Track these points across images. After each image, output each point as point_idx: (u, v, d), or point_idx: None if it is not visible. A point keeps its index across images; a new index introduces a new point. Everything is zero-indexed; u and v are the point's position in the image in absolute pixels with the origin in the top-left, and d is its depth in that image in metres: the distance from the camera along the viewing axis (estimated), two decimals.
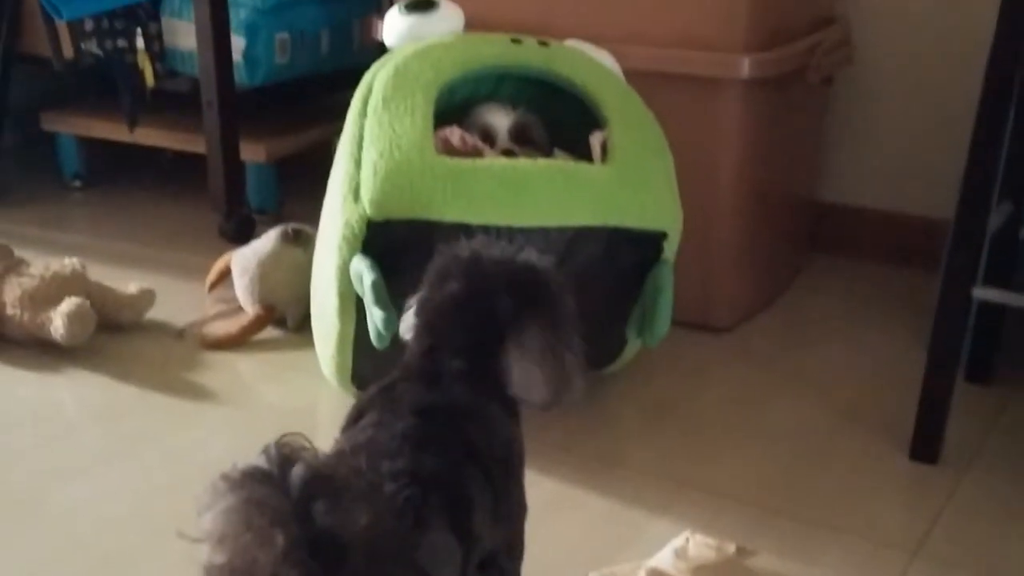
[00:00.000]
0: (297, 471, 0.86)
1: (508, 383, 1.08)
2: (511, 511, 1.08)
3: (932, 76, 2.29)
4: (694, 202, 1.75)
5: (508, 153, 1.68)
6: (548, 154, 1.73)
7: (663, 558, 1.36)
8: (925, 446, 1.64)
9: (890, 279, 2.33)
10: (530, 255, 1.12)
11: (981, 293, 1.60)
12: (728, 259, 2.04)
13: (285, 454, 0.89)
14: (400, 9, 1.76)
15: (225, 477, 0.87)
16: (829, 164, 2.43)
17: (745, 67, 1.88)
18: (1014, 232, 1.77)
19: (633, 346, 1.77)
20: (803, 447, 1.70)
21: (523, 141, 1.71)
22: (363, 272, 1.51)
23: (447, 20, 1.76)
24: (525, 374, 1.07)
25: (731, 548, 1.40)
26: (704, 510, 1.52)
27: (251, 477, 0.87)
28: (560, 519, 1.48)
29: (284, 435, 0.92)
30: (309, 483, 0.85)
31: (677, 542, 1.39)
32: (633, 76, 1.80)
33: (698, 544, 1.39)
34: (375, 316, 1.49)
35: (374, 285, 1.49)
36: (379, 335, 1.51)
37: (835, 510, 1.53)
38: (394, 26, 1.76)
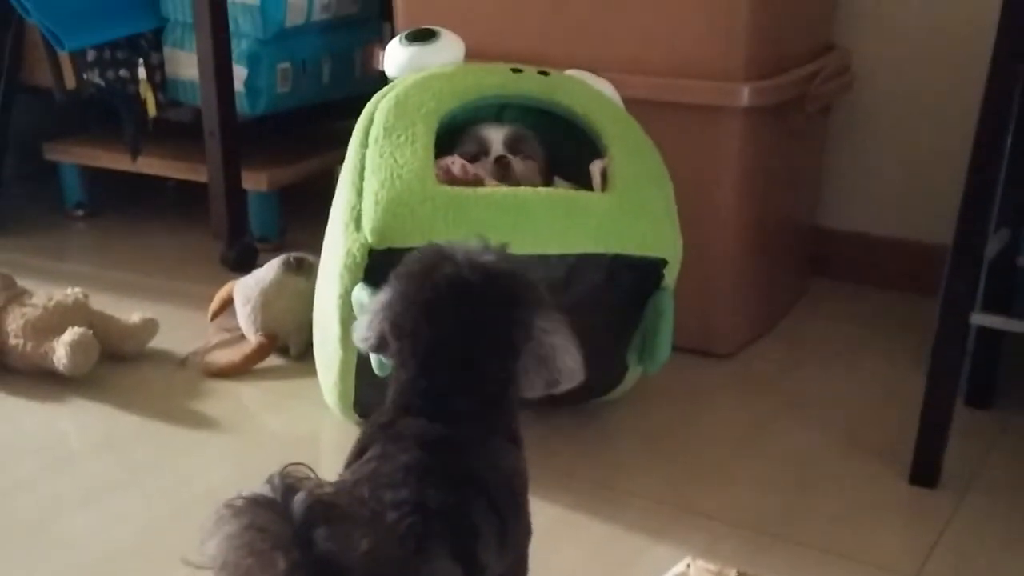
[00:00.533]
0: (299, 498, 0.87)
1: (526, 386, 1.09)
2: (517, 538, 1.09)
3: (931, 103, 2.31)
4: (695, 229, 1.76)
5: (502, 160, 1.70)
6: (543, 165, 1.75)
7: None
8: (925, 470, 1.65)
9: (890, 304, 2.33)
10: (491, 257, 1.12)
11: (979, 319, 1.61)
12: (729, 285, 2.05)
13: (288, 483, 0.90)
14: (401, 40, 1.78)
15: (228, 504, 0.88)
16: (829, 190, 2.44)
17: (745, 95, 1.90)
18: (1012, 258, 1.78)
19: (634, 373, 1.78)
20: (804, 472, 1.70)
21: (516, 151, 1.72)
22: (364, 300, 1.51)
23: (448, 50, 1.77)
24: (555, 354, 1.08)
25: (732, 573, 1.40)
26: (706, 535, 1.53)
27: (254, 504, 0.88)
28: (562, 545, 1.49)
29: (288, 465, 0.93)
30: (311, 509, 0.86)
31: (678, 568, 1.39)
32: (633, 105, 1.82)
33: (699, 570, 1.39)
34: None
35: None
36: (381, 364, 1.52)
37: (835, 535, 1.54)
38: (395, 57, 1.77)
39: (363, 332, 1.14)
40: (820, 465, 1.73)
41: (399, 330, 1.09)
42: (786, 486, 1.66)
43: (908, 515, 1.62)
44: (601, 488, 1.64)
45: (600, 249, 1.57)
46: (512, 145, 1.72)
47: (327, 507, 0.88)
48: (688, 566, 1.39)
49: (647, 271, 1.63)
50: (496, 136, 1.72)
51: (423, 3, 2.14)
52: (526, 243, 1.52)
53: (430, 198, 1.53)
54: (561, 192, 1.61)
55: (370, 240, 1.52)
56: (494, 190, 1.59)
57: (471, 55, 1.82)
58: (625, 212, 1.59)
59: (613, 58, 1.97)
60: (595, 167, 1.67)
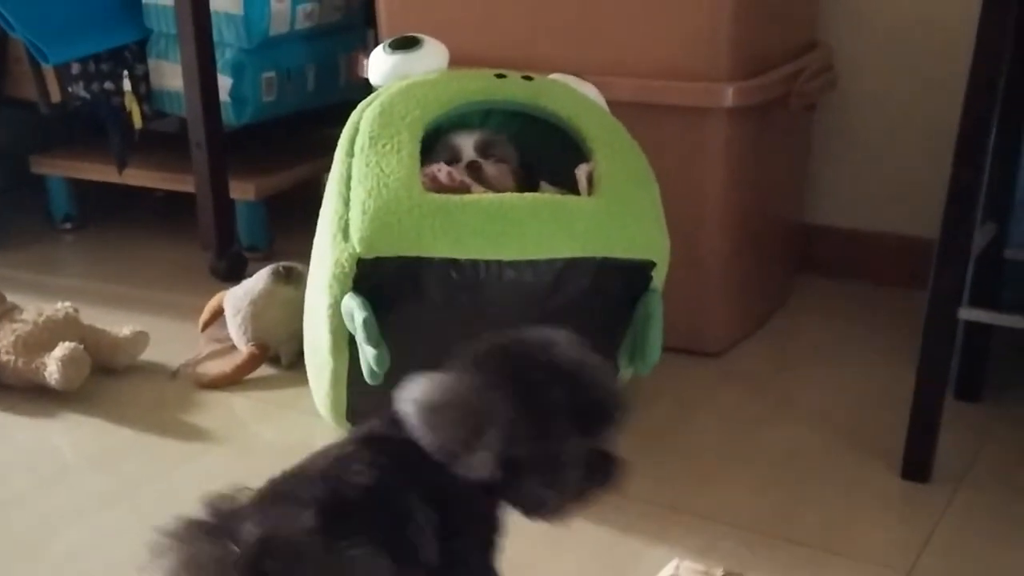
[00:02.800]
0: (250, 529, 0.88)
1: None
2: (465, 550, 1.08)
3: (915, 98, 2.32)
4: (682, 230, 1.77)
5: (473, 165, 1.71)
6: (515, 167, 1.76)
7: None
8: (916, 465, 1.65)
9: (879, 300, 2.34)
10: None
11: (967, 314, 1.62)
12: (717, 285, 2.06)
13: (228, 509, 0.91)
14: (384, 48, 1.78)
15: (169, 532, 0.89)
16: (816, 187, 2.45)
17: (729, 96, 1.90)
18: (999, 251, 1.79)
19: (625, 375, 1.79)
20: (795, 470, 1.71)
21: (487, 154, 1.73)
22: (354, 310, 1.52)
23: (431, 57, 1.77)
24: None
25: (719, 572, 1.41)
26: (699, 536, 1.53)
27: (196, 532, 0.88)
28: (556, 549, 1.49)
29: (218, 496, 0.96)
30: (261, 543, 0.87)
31: (668, 569, 1.39)
32: (618, 107, 1.82)
33: (687, 570, 1.40)
34: (367, 354, 1.50)
35: (365, 323, 1.50)
36: (372, 372, 1.52)
37: (828, 532, 1.55)
38: (379, 65, 1.78)
39: None
40: (812, 462, 1.73)
41: None
42: (779, 484, 1.67)
43: (901, 510, 1.63)
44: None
45: (588, 253, 1.57)
46: (483, 149, 1.73)
47: (277, 540, 0.89)
48: (677, 566, 1.40)
49: (635, 273, 1.64)
50: (467, 142, 1.74)
51: (406, 10, 2.14)
52: (514, 249, 1.53)
53: (417, 206, 1.53)
54: (547, 197, 1.62)
55: (358, 250, 1.53)
56: (480, 197, 1.60)
57: (455, 61, 1.82)
58: (612, 215, 1.60)
59: (597, 61, 1.97)
60: (581, 171, 1.67)
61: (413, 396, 1.02)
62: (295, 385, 1.94)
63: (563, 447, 1.03)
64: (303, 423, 1.85)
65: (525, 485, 1.04)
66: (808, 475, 1.70)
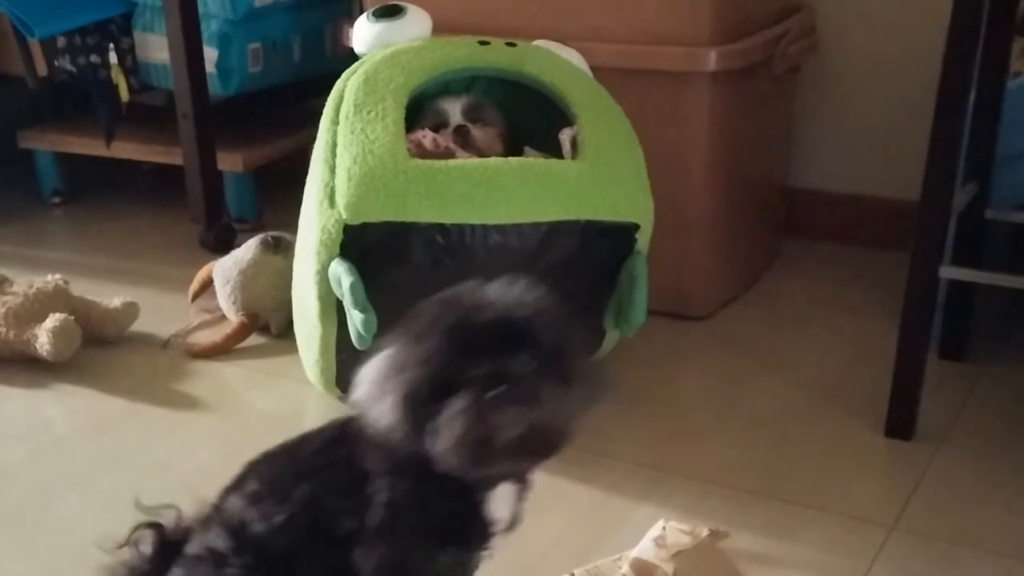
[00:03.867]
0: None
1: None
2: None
3: (897, 60, 2.33)
4: (667, 194, 1.78)
5: (461, 129, 1.72)
6: (503, 131, 1.77)
7: (644, 548, 1.39)
8: (900, 423, 1.67)
9: (864, 262, 2.36)
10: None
11: (948, 272, 1.63)
12: (703, 248, 2.07)
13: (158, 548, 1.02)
14: (368, 17, 1.79)
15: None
16: (800, 151, 2.46)
17: (712, 60, 1.91)
18: (980, 211, 1.81)
19: (611, 337, 1.80)
20: (781, 429, 1.73)
21: (475, 119, 1.75)
22: (341, 275, 1.53)
23: (415, 25, 1.78)
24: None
25: (704, 532, 1.43)
26: (686, 495, 1.55)
27: None
28: (545, 510, 1.50)
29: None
30: None
31: (655, 531, 1.41)
32: (602, 73, 1.83)
33: (673, 530, 1.42)
34: (355, 318, 1.52)
35: (352, 288, 1.52)
36: (360, 336, 1.54)
37: (814, 489, 1.57)
38: (363, 34, 1.79)
39: None
40: (797, 422, 1.75)
41: None
42: (764, 443, 1.69)
43: (884, 467, 1.65)
44: (581, 452, 1.66)
45: (572, 216, 1.58)
46: (470, 114, 1.75)
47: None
48: (664, 528, 1.42)
49: (620, 236, 1.65)
50: (454, 107, 1.75)
51: None
52: (499, 213, 1.54)
53: (402, 172, 1.54)
54: (532, 161, 1.63)
55: (344, 216, 1.54)
56: (465, 162, 1.61)
57: (439, 29, 1.83)
58: (596, 178, 1.61)
59: (580, 27, 1.98)
60: (564, 135, 1.68)
61: (358, 383, 1.01)
62: (285, 353, 1.95)
63: (443, 369, 0.95)
64: (294, 391, 1.87)
65: (425, 422, 0.96)
66: (793, 434, 1.72)
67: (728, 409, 1.80)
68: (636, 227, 1.66)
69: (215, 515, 1.09)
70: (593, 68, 1.84)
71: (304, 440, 1.11)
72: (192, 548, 1.09)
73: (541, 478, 1.57)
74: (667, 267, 1.89)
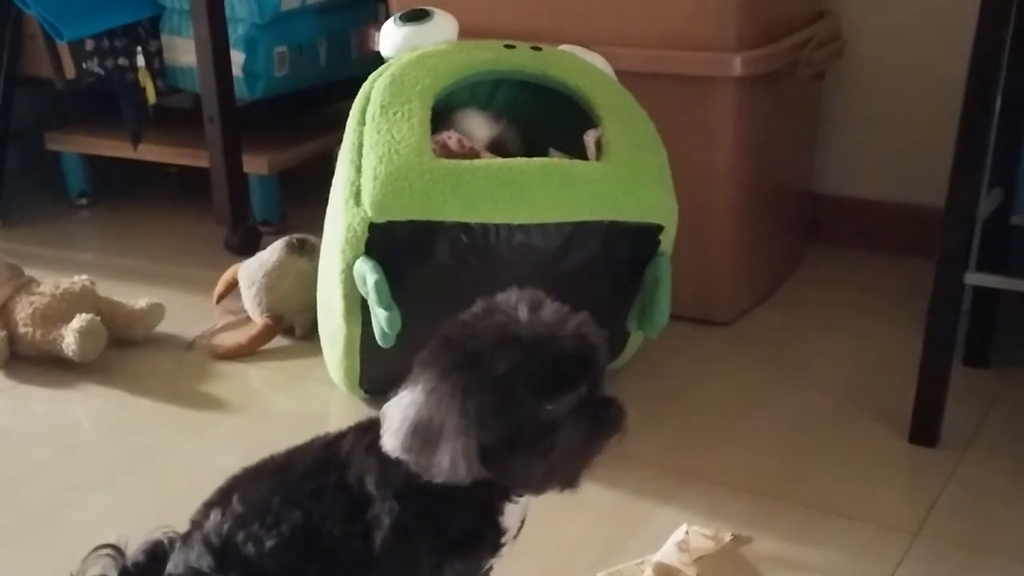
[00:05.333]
0: None
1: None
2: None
3: (922, 65, 2.32)
4: (692, 199, 1.78)
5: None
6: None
7: (666, 552, 1.39)
8: (924, 430, 1.67)
9: (888, 268, 2.35)
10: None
11: (973, 278, 1.63)
12: (727, 253, 2.07)
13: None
14: (395, 21, 1.80)
15: None
16: (824, 156, 2.46)
17: (737, 65, 1.91)
18: (1006, 218, 1.80)
19: (635, 340, 1.80)
20: (805, 435, 1.73)
21: (499, 154, 1.75)
22: (366, 273, 1.54)
23: (441, 29, 1.79)
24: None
25: (727, 536, 1.43)
26: (709, 499, 1.55)
27: None
28: (568, 513, 1.51)
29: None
30: None
31: (678, 535, 1.42)
32: (627, 77, 1.83)
33: (696, 535, 1.42)
34: (379, 316, 1.53)
35: (376, 285, 1.52)
36: (384, 334, 1.54)
37: (838, 495, 1.56)
38: (390, 37, 1.79)
39: None
40: (821, 427, 1.75)
41: None
42: (788, 449, 1.69)
43: (908, 474, 1.65)
44: (606, 456, 1.66)
45: (596, 216, 1.59)
46: (494, 149, 1.75)
47: None
48: (687, 532, 1.42)
49: (644, 236, 1.65)
50: (481, 136, 1.76)
51: None
52: (523, 213, 1.55)
53: (428, 171, 1.55)
54: (556, 162, 1.63)
55: (370, 214, 1.55)
56: (490, 161, 1.62)
57: (466, 33, 1.84)
58: (620, 179, 1.62)
59: (606, 32, 1.98)
60: (589, 137, 1.69)
61: (389, 429, 0.99)
62: (309, 355, 1.96)
63: (529, 414, 0.97)
64: (318, 392, 1.87)
65: (510, 466, 0.99)
66: (817, 439, 1.71)
67: (751, 414, 1.80)
68: (660, 228, 1.66)
69: (196, 532, 1.09)
70: (618, 72, 1.84)
71: (288, 463, 1.10)
72: (174, 567, 1.10)
73: None
74: (691, 272, 1.89)
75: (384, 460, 1.00)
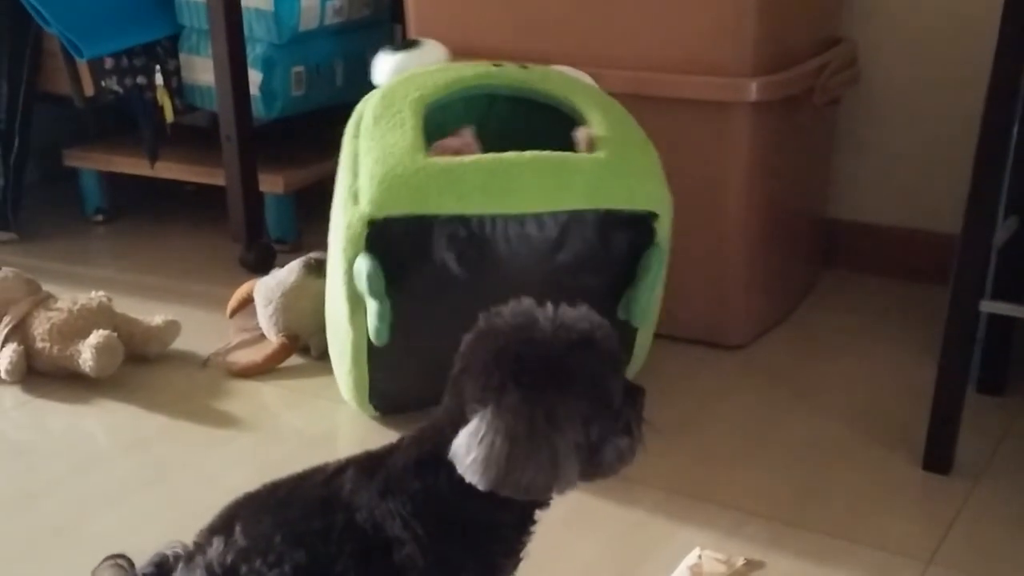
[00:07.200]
0: None
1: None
2: None
3: (938, 92, 2.32)
4: (706, 222, 1.79)
5: None
6: None
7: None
8: (937, 457, 1.67)
9: (902, 294, 2.35)
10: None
11: (988, 306, 1.63)
12: (740, 278, 2.07)
13: None
14: (387, 50, 1.89)
15: None
16: (839, 182, 2.46)
17: (753, 91, 1.92)
18: (1021, 246, 1.80)
19: (643, 340, 1.80)
20: (817, 460, 1.73)
21: None
22: (361, 266, 1.57)
23: (431, 54, 1.88)
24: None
25: (740, 561, 1.43)
26: (722, 524, 1.55)
27: None
28: (580, 535, 1.51)
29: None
30: None
31: (690, 559, 1.41)
32: (643, 102, 1.84)
33: (709, 559, 1.42)
34: (369, 307, 1.54)
35: (370, 276, 1.55)
36: (376, 328, 1.56)
37: (850, 521, 1.56)
38: (382, 65, 1.88)
39: None
40: (833, 453, 1.75)
41: None
42: (800, 474, 1.69)
43: (921, 501, 1.64)
44: (617, 479, 1.65)
45: (590, 205, 1.61)
46: None
47: None
48: (699, 556, 1.42)
49: (639, 227, 1.67)
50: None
51: (434, 5, 2.16)
52: (517, 202, 1.58)
53: (422, 168, 1.59)
54: (548, 154, 1.66)
55: (367, 211, 1.58)
56: (482, 156, 1.65)
57: (481, 55, 1.85)
58: (611, 169, 1.64)
59: (622, 56, 1.99)
60: (580, 133, 1.70)
61: (470, 458, 0.99)
62: (323, 375, 1.96)
63: (615, 404, 1.09)
64: (330, 411, 1.88)
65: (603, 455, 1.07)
66: (830, 465, 1.71)
67: (764, 439, 1.80)
68: (654, 216, 1.67)
69: (199, 557, 1.09)
70: (633, 96, 1.86)
71: (289, 498, 1.10)
72: None
73: (577, 503, 1.59)
74: (704, 296, 1.89)
75: (407, 502, 1.03)
